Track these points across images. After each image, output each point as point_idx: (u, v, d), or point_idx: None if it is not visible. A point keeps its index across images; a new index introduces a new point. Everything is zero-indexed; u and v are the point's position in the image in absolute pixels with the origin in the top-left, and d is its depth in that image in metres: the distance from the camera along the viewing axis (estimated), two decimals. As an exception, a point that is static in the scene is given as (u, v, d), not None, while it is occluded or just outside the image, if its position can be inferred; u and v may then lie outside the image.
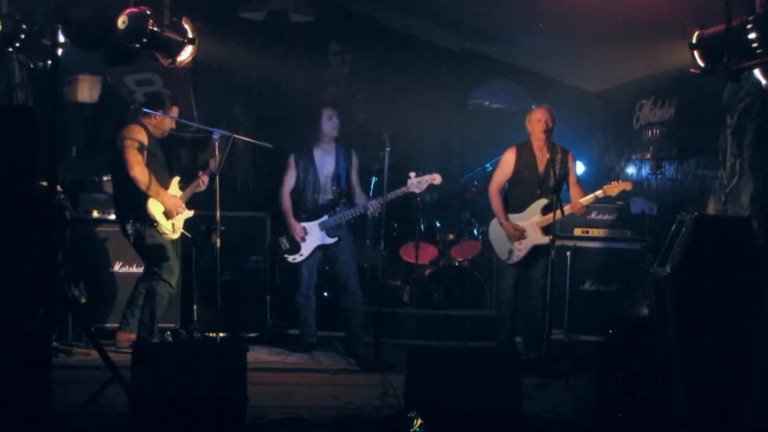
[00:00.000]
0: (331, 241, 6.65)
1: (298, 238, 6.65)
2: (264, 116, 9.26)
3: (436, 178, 6.52)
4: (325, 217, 6.64)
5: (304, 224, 6.67)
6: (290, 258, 6.72)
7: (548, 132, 6.37)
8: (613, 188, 6.40)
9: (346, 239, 6.71)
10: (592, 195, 6.40)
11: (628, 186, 6.45)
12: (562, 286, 7.20)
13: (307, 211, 6.68)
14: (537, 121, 6.43)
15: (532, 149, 6.51)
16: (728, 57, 4.46)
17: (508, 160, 6.57)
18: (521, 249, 6.43)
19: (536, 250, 6.42)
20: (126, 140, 6.24)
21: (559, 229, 6.69)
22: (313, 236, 6.66)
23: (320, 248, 6.70)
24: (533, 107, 6.92)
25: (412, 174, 6.52)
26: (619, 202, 7.56)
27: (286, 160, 6.79)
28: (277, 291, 7.60)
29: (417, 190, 6.53)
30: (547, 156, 6.44)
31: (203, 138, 6.82)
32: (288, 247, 6.71)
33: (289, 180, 6.75)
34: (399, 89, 9.06)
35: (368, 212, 6.65)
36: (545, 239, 6.34)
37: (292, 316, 7.60)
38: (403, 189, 6.51)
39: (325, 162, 6.71)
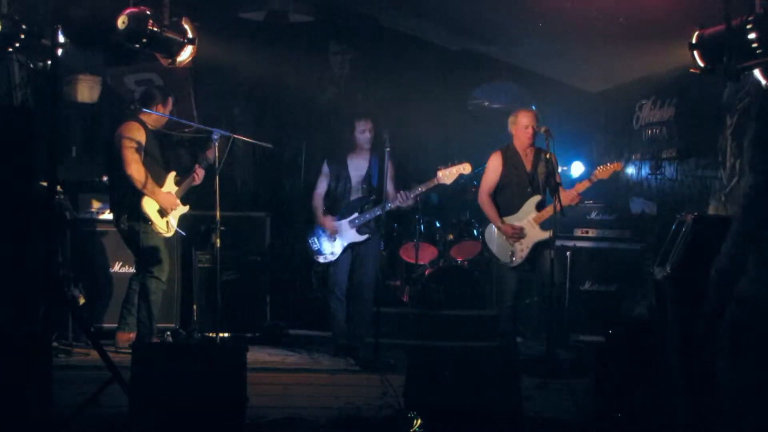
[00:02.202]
0: (362, 238, 6.61)
1: (329, 232, 6.62)
2: (264, 116, 9.26)
3: (466, 168, 6.49)
4: (355, 215, 6.61)
5: (334, 223, 6.65)
6: (321, 258, 6.70)
7: (534, 137, 6.41)
8: (604, 171, 6.39)
9: (374, 241, 6.68)
10: (585, 181, 6.40)
11: (617, 167, 6.48)
12: (562, 286, 7.20)
13: (337, 210, 6.67)
14: (524, 127, 6.46)
15: (517, 150, 6.54)
16: (728, 57, 4.46)
17: (495, 165, 6.60)
18: (523, 249, 6.43)
19: (539, 248, 6.41)
20: (124, 138, 6.26)
21: (559, 230, 6.68)
22: (343, 235, 6.63)
23: (351, 247, 6.67)
24: (534, 108, 6.92)
25: (442, 166, 6.51)
26: (619, 203, 7.56)
27: (319, 166, 6.80)
28: (276, 291, 7.59)
29: (447, 182, 6.50)
30: (533, 154, 6.45)
31: (203, 138, 6.82)
32: (319, 247, 6.69)
33: (322, 184, 6.75)
34: (399, 89, 9.05)
35: (398, 204, 6.53)
36: (545, 234, 6.34)
37: (292, 316, 7.62)
38: (434, 181, 6.48)
39: (358, 165, 6.69)
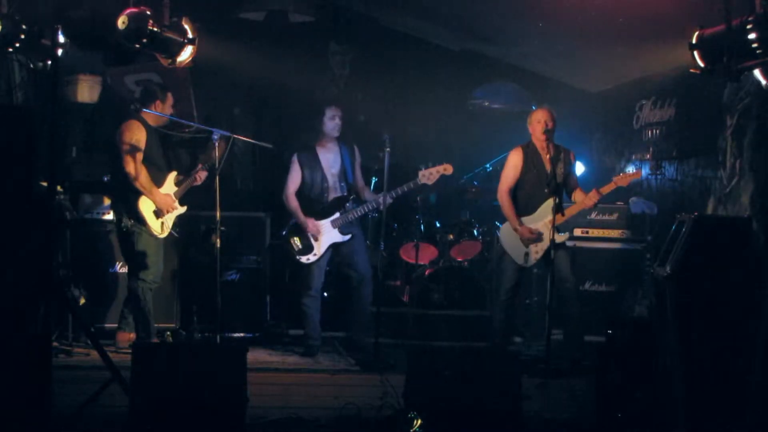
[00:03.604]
0: (344, 238, 6.56)
1: (311, 234, 6.54)
2: (264, 116, 9.25)
3: (447, 168, 6.46)
4: (337, 215, 6.56)
5: (317, 223, 6.59)
6: (303, 258, 6.61)
7: (548, 133, 6.35)
8: (624, 179, 6.37)
9: (359, 237, 6.63)
10: (606, 186, 6.35)
11: (637, 175, 6.49)
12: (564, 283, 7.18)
13: (316, 210, 6.60)
14: (537, 122, 6.43)
15: (537, 149, 6.50)
16: (728, 57, 4.46)
17: (515, 161, 6.53)
18: (538, 251, 6.39)
19: (555, 249, 6.34)
20: (123, 137, 6.27)
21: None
22: (326, 235, 6.57)
23: (333, 247, 6.62)
24: (534, 108, 6.91)
25: (423, 166, 6.46)
26: (618, 202, 7.56)
27: (288, 160, 6.72)
28: (276, 291, 7.58)
29: (429, 182, 6.46)
30: (551, 155, 6.41)
31: (203, 138, 6.82)
32: (300, 247, 6.61)
33: (294, 180, 6.65)
34: (399, 89, 9.05)
35: (380, 207, 6.48)
36: (562, 238, 6.30)
37: (292, 317, 7.61)
38: (415, 181, 6.45)
39: (331, 160, 6.63)
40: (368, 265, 6.68)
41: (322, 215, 6.60)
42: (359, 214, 6.55)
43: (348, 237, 6.58)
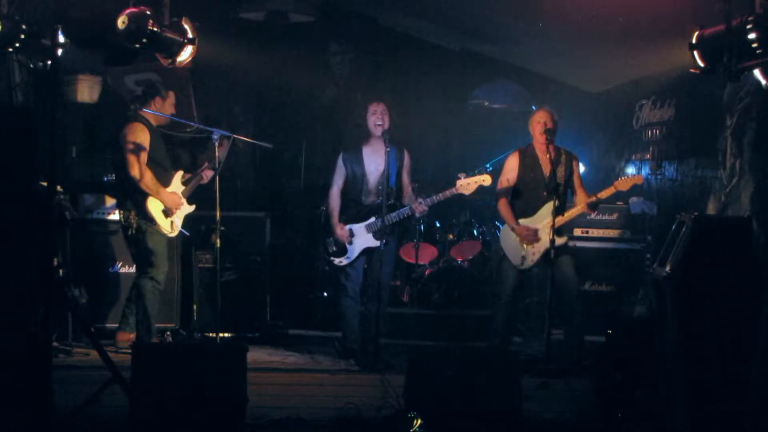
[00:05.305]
0: (378, 243, 6.35)
1: (342, 240, 6.45)
2: (264, 116, 9.26)
3: (486, 179, 6.26)
4: (372, 219, 6.41)
5: (350, 226, 6.46)
6: (337, 260, 6.54)
7: (548, 133, 6.29)
8: (625, 183, 6.31)
9: (391, 244, 6.47)
10: (607, 190, 6.31)
11: (638, 180, 6.40)
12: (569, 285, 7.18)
13: (354, 212, 6.51)
14: (537, 123, 6.38)
15: (535, 152, 6.45)
16: (728, 57, 4.47)
17: (512, 166, 6.48)
18: (535, 253, 6.35)
19: (557, 252, 6.30)
20: (127, 140, 6.26)
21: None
22: (359, 238, 6.46)
23: (366, 252, 6.49)
24: (533, 108, 6.91)
25: (461, 175, 6.29)
26: (618, 203, 7.56)
27: (335, 159, 6.62)
28: (276, 291, 7.58)
29: (466, 192, 6.27)
30: (552, 157, 6.35)
31: (203, 138, 6.82)
32: (335, 249, 6.52)
33: (338, 180, 6.56)
34: (399, 89, 9.06)
35: (415, 214, 6.38)
36: (560, 240, 6.24)
37: (292, 317, 7.62)
38: (452, 190, 6.27)
39: (374, 161, 6.47)
40: (389, 279, 6.51)
41: (358, 219, 6.49)
42: (395, 220, 6.35)
43: (381, 242, 6.33)
